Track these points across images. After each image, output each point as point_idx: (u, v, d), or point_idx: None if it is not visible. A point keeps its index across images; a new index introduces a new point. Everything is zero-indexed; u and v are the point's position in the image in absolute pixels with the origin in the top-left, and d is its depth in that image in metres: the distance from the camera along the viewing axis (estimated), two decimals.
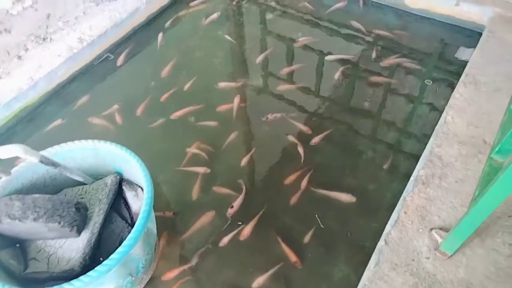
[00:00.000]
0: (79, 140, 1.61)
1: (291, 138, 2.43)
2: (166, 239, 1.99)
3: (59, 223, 1.32)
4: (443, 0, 3.02)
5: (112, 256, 1.30)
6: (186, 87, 2.74)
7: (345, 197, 2.13)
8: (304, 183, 2.19)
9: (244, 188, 2.17)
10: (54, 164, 1.42)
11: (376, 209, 2.09)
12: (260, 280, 1.83)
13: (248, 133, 2.54)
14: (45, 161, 1.38)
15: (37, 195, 1.39)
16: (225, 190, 2.19)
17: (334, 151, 2.42)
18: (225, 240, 1.97)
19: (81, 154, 1.64)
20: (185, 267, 1.88)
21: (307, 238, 1.98)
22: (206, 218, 2.04)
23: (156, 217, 1.76)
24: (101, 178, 1.69)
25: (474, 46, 2.69)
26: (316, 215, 2.04)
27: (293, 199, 2.12)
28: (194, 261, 1.90)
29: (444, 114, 2.24)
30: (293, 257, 1.89)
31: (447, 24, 3.08)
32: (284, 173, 2.24)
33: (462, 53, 2.88)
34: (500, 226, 1.74)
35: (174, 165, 2.30)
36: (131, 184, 1.66)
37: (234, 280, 1.87)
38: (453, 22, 3.06)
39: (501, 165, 1.60)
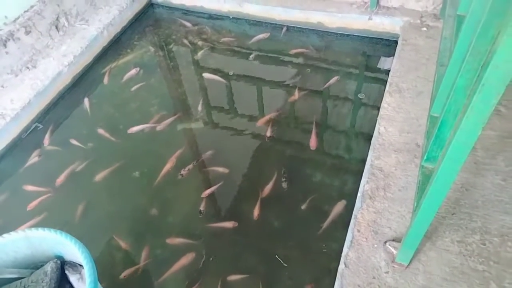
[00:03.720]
0: (8, 232, 1.50)
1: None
2: None
3: None
4: (357, 16, 3.21)
5: None
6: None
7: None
8: None
9: None
10: None
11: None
12: None
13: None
14: None
15: None
16: None
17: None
18: None
19: (13, 246, 1.51)
20: None
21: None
22: None
23: None
24: (41, 266, 1.57)
25: (394, 55, 2.86)
26: (277, 255, 2.02)
27: None
28: None
29: (377, 125, 2.34)
30: None
31: (365, 37, 3.27)
32: None
33: (384, 63, 3.05)
34: (446, 226, 1.82)
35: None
36: (74, 266, 1.55)
37: None
38: (371, 35, 3.25)
39: (432, 171, 1.69)
